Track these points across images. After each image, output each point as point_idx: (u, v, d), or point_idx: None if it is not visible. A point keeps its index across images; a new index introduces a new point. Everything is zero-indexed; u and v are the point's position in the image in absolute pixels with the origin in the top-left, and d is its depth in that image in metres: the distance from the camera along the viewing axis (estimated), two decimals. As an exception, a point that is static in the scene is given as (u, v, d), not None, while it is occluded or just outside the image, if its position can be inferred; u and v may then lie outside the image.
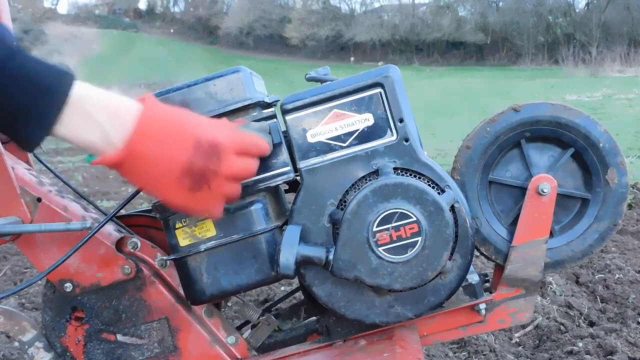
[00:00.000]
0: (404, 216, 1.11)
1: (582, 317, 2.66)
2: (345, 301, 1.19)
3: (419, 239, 1.11)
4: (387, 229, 1.11)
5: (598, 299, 2.86)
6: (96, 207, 1.40)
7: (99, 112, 0.89)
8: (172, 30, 43.10)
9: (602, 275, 3.09)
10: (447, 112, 15.29)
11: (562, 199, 1.31)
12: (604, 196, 1.30)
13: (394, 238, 1.12)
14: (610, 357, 2.22)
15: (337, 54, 37.70)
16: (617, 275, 3.04)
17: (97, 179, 7.65)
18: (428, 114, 15.20)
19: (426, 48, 35.82)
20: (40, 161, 1.42)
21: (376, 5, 39.43)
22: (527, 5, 33.75)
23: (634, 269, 3.17)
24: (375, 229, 1.11)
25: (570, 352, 2.30)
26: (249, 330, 1.39)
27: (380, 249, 1.12)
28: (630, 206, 4.76)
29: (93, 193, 6.40)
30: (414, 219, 1.11)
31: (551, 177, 1.27)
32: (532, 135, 1.30)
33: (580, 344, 2.34)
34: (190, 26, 42.81)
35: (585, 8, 34.18)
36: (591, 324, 2.62)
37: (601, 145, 1.28)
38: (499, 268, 1.34)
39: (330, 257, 1.13)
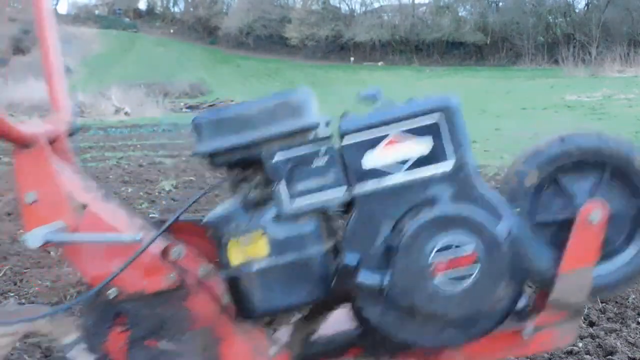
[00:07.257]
0: (461, 247, 1.11)
1: (582, 317, 2.66)
2: (397, 325, 1.18)
3: (476, 269, 1.11)
4: (444, 259, 1.11)
5: (598, 299, 2.86)
6: (140, 214, 1.37)
7: None
8: (172, 31, 43.06)
9: (602, 275, 3.08)
10: (447, 112, 15.24)
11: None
12: None
13: (451, 268, 1.11)
14: (610, 357, 2.22)
15: (337, 54, 37.65)
16: (617, 275, 3.03)
17: (97, 178, 7.66)
18: (428, 114, 15.15)
19: (426, 48, 35.78)
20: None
21: (376, 5, 39.41)
22: (526, 5, 33.71)
23: (634, 269, 3.16)
24: (432, 258, 1.11)
25: (570, 352, 2.29)
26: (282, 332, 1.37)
27: (436, 278, 1.11)
28: (630, 206, 4.74)
29: (93, 193, 6.38)
30: (472, 250, 1.10)
31: (603, 202, 1.22)
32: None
33: (580, 344, 2.33)
34: (190, 26, 42.76)
35: (585, 8, 34.15)
36: (591, 324, 2.61)
37: None
38: (540, 291, 1.32)
39: (385, 283, 1.12)
